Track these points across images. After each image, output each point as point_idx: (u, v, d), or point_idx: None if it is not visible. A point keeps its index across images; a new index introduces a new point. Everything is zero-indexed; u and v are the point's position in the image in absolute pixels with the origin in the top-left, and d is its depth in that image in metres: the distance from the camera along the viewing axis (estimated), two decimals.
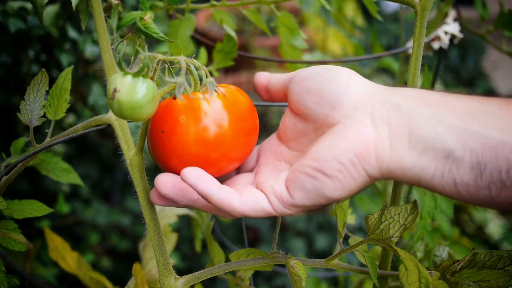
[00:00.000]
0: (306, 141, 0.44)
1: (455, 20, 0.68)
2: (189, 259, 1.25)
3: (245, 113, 0.44)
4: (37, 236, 0.94)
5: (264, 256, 0.46)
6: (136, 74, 0.37)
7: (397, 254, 0.38)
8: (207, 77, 0.42)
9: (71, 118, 0.92)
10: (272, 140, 0.48)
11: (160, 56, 0.40)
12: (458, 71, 2.20)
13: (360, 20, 1.30)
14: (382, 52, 0.76)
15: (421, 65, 0.44)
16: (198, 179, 0.39)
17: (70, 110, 0.90)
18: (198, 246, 0.76)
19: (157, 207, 0.70)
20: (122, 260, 1.19)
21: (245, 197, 0.40)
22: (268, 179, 0.42)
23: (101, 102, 0.90)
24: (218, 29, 1.79)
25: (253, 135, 0.45)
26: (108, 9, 0.51)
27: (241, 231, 1.30)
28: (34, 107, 0.48)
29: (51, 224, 0.98)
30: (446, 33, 0.66)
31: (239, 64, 1.74)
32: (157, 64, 0.40)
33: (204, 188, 0.38)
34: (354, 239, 0.47)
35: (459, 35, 0.66)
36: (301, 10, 1.60)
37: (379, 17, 0.58)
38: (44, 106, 0.48)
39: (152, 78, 0.40)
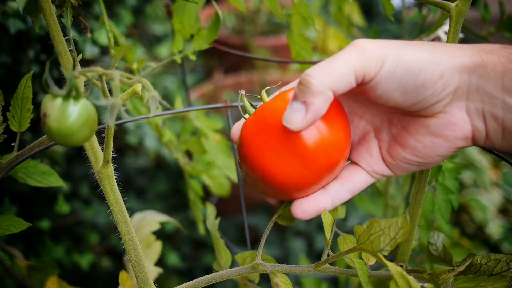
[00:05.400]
0: (388, 108, 0.44)
1: None
2: (189, 259, 1.25)
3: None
4: (37, 236, 0.94)
5: (247, 267, 0.45)
6: (65, 97, 0.33)
7: (387, 268, 0.37)
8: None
9: None
10: None
11: (99, 70, 0.34)
12: None
13: (360, 20, 1.30)
14: None
15: None
16: (311, 212, 0.44)
17: None
18: (202, 229, 0.76)
19: (136, 216, 0.68)
20: (122, 260, 1.19)
21: (354, 186, 0.45)
22: (359, 152, 0.45)
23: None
24: None
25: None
26: (61, 5, 0.45)
27: (241, 231, 1.30)
28: None
29: (51, 224, 0.98)
30: (446, 33, 0.66)
31: (239, 64, 1.74)
32: (101, 78, 0.35)
33: (319, 212, 0.44)
34: (344, 238, 0.46)
35: (459, 35, 0.66)
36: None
37: (391, 18, 0.56)
38: (3, 122, 0.45)
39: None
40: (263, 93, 0.46)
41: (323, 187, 0.44)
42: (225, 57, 1.72)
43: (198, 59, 1.73)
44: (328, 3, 1.49)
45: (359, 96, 0.45)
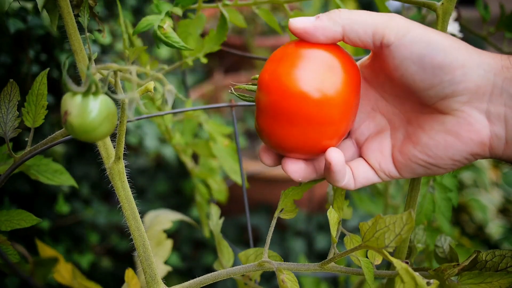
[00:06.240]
0: (409, 106, 0.44)
1: (455, 20, 0.68)
2: (189, 259, 1.25)
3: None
4: (37, 235, 0.94)
5: (254, 264, 0.45)
6: (85, 94, 0.34)
7: (393, 264, 0.37)
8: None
9: None
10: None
11: (114, 67, 0.35)
12: None
13: None
14: None
15: None
16: (341, 164, 0.42)
17: None
18: (207, 232, 0.76)
19: (150, 214, 0.69)
20: (122, 260, 1.19)
21: (359, 179, 0.44)
22: (371, 148, 0.45)
23: None
24: None
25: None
26: (78, 5, 0.47)
27: (241, 231, 1.30)
28: (7, 118, 0.46)
29: (51, 224, 0.98)
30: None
31: (239, 64, 1.74)
32: (115, 74, 0.37)
33: (339, 175, 0.42)
34: (350, 238, 0.46)
35: (459, 35, 0.66)
36: (301, 10, 1.60)
37: None
38: (18, 117, 0.46)
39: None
40: (256, 76, 0.45)
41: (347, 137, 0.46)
42: (225, 57, 1.72)
43: (197, 59, 1.73)
44: (328, 3, 1.49)
45: (386, 88, 0.45)
